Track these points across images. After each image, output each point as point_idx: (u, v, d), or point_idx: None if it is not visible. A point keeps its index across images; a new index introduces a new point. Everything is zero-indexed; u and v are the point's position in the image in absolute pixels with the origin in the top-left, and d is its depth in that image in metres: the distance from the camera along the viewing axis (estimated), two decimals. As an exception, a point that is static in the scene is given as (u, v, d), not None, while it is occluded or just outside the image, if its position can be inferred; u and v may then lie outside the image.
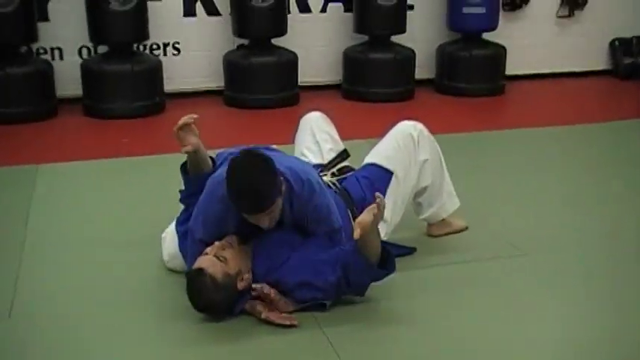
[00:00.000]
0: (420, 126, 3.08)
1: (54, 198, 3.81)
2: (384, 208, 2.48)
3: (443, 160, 3.15)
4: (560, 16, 6.59)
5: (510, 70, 6.28)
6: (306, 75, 5.95)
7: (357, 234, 2.40)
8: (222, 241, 2.61)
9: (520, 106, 5.92)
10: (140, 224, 3.41)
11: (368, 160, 3.06)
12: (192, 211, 2.79)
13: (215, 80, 5.93)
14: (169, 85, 5.73)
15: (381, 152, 3.03)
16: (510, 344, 2.49)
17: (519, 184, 3.99)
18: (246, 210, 2.53)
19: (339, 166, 3.10)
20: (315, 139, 3.21)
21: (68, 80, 5.55)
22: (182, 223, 2.85)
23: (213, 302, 2.54)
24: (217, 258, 2.55)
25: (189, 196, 2.84)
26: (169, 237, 2.96)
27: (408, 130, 3.05)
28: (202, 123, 2.77)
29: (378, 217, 2.44)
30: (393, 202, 2.96)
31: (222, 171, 2.63)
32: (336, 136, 3.29)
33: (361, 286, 2.63)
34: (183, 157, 2.84)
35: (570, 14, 6.57)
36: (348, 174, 3.05)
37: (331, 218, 2.70)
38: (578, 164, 4.39)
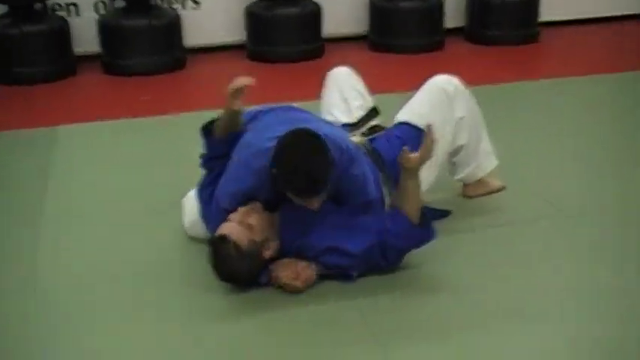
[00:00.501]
0: (455, 80, 2.87)
1: (73, 162, 3.69)
2: (434, 143, 2.40)
3: (481, 116, 2.95)
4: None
5: (543, 16, 5.98)
6: (331, 27, 5.71)
7: (406, 161, 2.37)
8: (246, 206, 2.46)
9: (556, 54, 5.64)
10: (160, 188, 3.29)
11: (399, 118, 2.87)
12: (216, 175, 2.65)
13: (236, 34, 5.70)
14: (189, 40, 5.53)
15: (413, 109, 2.84)
16: (547, 315, 2.34)
17: (559, 140, 3.78)
18: (299, 193, 2.36)
19: (368, 124, 2.92)
20: (344, 96, 3.02)
21: (85, 37, 5.38)
22: (205, 187, 2.71)
23: (237, 271, 2.41)
24: (242, 224, 2.41)
25: (211, 159, 2.69)
26: (190, 203, 2.83)
27: (442, 85, 2.85)
28: (225, 78, 2.62)
29: (429, 151, 2.40)
30: (428, 162, 2.77)
31: (255, 140, 2.48)
32: (365, 92, 3.10)
33: (398, 252, 2.49)
34: (204, 117, 2.69)
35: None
36: (379, 133, 2.86)
37: (367, 190, 2.55)
38: (622, 116, 4.15)
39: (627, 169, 3.44)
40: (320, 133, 2.38)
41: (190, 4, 5.64)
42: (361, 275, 2.51)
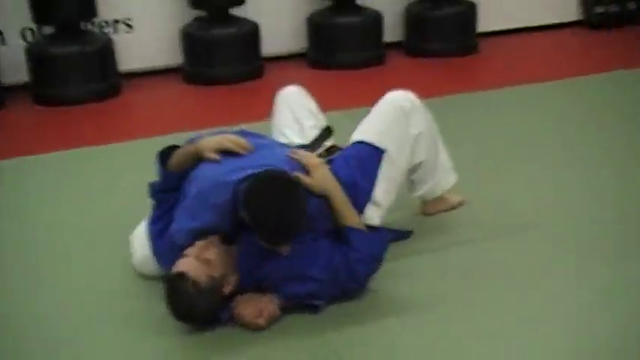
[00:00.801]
0: (411, 96, 2.78)
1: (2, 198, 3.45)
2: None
3: (437, 131, 2.87)
4: (528, -33, 6.30)
5: (480, 27, 5.99)
6: (269, 45, 5.59)
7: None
8: (203, 241, 2.30)
9: (496, 64, 5.62)
10: (100, 222, 3.09)
11: (356, 137, 2.75)
12: (167, 208, 2.50)
13: (172, 57, 5.53)
14: (123, 65, 5.33)
15: (369, 128, 2.72)
16: (516, 334, 2.26)
17: (511, 149, 3.74)
18: (271, 241, 2.27)
19: (324, 145, 2.81)
20: (296, 116, 2.90)
21: (12, 66, 5.13)
22: (155, 221, 2.54)
23: (196, 309, 2.26)
24: (199, 260, 2.25)
25: (163, 192, 2.53)
26: (139, 240, 2.65)
27: (398, 101, 2.74)
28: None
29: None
30: (387, 182, 2.67)
31: (214, 173, 2.36)
32: (317, 111, 3.00)
33: (366, 265, 2.40)
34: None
35: (539, -36, 6.28)
36: (336, 154, 2.75)
37: (327, 215, 2.45)
38: (566, 122, 4.15)
39: (580, 171, 3.43)
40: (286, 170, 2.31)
41: (123, 27, 5.45)
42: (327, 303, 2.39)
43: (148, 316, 2.41)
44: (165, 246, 2.44)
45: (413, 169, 2.83)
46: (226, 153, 2.41)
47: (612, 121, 4.10)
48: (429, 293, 2.49)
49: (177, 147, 2.55)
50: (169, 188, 2.51)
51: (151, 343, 2.29)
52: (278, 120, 2.93)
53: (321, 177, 2.42)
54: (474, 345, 2.20)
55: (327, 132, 2.91)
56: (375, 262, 2.42)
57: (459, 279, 2.57)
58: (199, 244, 2.29)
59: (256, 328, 2.29)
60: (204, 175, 2.38)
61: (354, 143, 2.74)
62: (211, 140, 2.42)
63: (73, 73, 4.93)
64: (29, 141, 4.32)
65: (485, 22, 6.07)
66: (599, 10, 6.42)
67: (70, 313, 2.48)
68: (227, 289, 2.32)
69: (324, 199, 2.42)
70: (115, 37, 5.27)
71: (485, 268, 2.64)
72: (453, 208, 3.04)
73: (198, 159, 2.43)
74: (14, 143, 4.27)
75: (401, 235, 2.81)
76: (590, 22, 6.44)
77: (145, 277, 2.61)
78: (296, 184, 2.27)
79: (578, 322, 2.30)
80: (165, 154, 2.54)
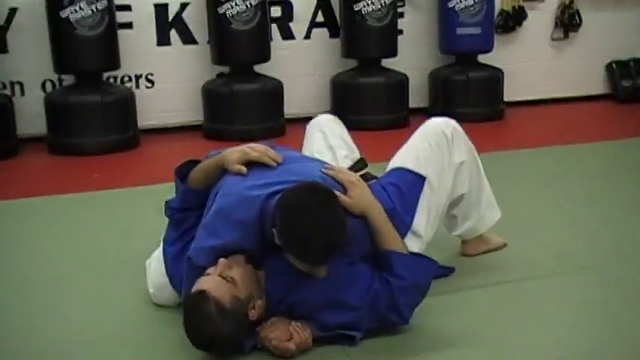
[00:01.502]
0: (453, 122, 2.60)
1: (14, 235, 3.25)
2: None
3: (480, 163, 2.67)
4: (554, 39, 6.26)
5: (506, 96, 5.89)
6: (292, 106, 5.48)
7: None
8: (227, 259, 2.08)
9: (523, 131, 5.50)
10: (114, 256, 2.89)
11: (394, 164, 2.56)
12: (185, 229, 2.29)
13: (193, 114, 5.44)
14: (143, 121, 5.22)
15: (409, 154, 2.53)
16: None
17: (546, 200, 3.57)
18: (310, 261, 2.01)
19: (358, 174, 2.61)
20: (329, 144, 2.72)
21: (30, 117, 5.03)
22: (173, 243, 2.33)
23: (219, 334, 1.99)
24: (223, 278, 2.02)
25: (181, 211, 2.32)
26: (155, 265, 2.42)
27: (439, 127, 2.56)
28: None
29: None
30: (427, 212, 2.46)
31: (237, 188, 2.15)
32: (351, 142, 2.82)
33: (410, 293, 2.14)
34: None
35: (565, 36, 6.24)
36: (371, 182, 2.55)
37: (366, 237, 2.21)
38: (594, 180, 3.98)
39: (614, 218, 3.25)
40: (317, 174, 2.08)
41: (144, 82, 5.37)
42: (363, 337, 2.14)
43: (163, 344, 2.16)
44: (184, 269, 2.20)
45: (455, 203, 2.62)
46: (253, 166, 2.21)
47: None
48: (469, 329, 2.24)
49: (197, 162, 2.35)
50: (189, 207, 2.31)
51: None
52: (309, 146, 2.74)
53: (359, 195, 2.18)
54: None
55: (361, 163, 2.72)
56: (418, 292, 2.17)
57: (500, 316, 2.33)
58: (222, 261, 2.06)
59: (285, 354, 2.03)
60: (227, 189, 2.16)
61: (391, 170, 2.55)
62: (236, 151, 2.22)
63: (91, 123, 4.81)
64: (44, 185, 4.16)
65: (512, 93, 5.98)
66: (626, 83, 6.32)
67: (84, 339, 2.25)
68: (253, 315, 2.07)
69: (362, 219, 2.20)
70: (136, 92, 5.18)
71: (526, 306, 2.40)
72: (495, 249, 2.82)
73: (221, 173, 2.23)
74: (25, 188, 4.10)
75: (444, 271, 2.58)
76: (618, 95, 6.34)
77: (162, 305, 2.37)
78: (332, 194, 2.03)
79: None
80: (184, 170, 2.35)
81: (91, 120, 4.80)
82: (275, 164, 2.21)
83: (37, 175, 4.50)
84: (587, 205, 3.45)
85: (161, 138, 5.26)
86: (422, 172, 2.47)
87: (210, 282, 2.01)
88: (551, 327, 2.25)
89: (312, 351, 2.08)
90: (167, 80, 5.41)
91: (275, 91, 5.23)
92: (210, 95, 5.19)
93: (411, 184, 2.46)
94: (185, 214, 2.32)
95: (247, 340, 2.08)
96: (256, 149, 2.23)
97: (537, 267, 2.70)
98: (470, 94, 5.58)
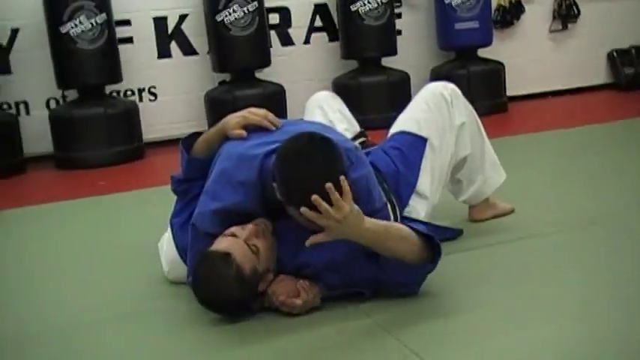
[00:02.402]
0: (451, 85, 2.60)
1: (26, 235, 3.27)
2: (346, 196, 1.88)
3: (481, 124, 2.66)
4: (553, 31, 6.26)
5: (509, 90, 5.89)
6: (294, 109, 5.48)
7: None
8: (256, 223, 2.05)
9: (527, 121, 5.49)
10: (128, 246, 2.87)
11: (394, 129, 2.56)
12: (189, 199, 2.28)
13: (197, 124, 5.42)
14: (147, 134, 5.24)
15: (409, 117, 2.54)
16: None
17: (550, 176, 3.55)
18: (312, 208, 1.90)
19: (358, 141, 2.61)
20: (328, 117, 2.72)
21: (35, 136, 5.06)
22: (178, 213, 2.33)
23: (229, 298, 1.98)
24: (249, 246, 1.99)
25: (187, 181, 2.31)
26: (167, 244, 2.41)
27: (438, 90, 2.57)
28: None
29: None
30: (431, 173, 2.46)
31: (238, 149, 2.13)
32: (350, 115, 2.83)
33: (401, 285, 2.09)
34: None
35: (564, 28, 6.25)
36: (372, 147, 2.54)
37: (372, 196, 2.16)
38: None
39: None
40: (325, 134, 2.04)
41: (147, 95, 5.40)
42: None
43: (177, 317, 2.16)
44: (190, 236, 2.18)
45: (458, 166, 2.61)
46: (253, 130, 2.20)
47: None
48: (478, 289, 2.19)
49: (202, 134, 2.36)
50: (194, 177, 2.30)
51: (184, 337, 2.04)
52: (310, 119, 2.74)
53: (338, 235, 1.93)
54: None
55: (361, 135, 2.72)
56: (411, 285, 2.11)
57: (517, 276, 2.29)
58: (251, 227, 2.02)
59: (292, 310, 2.01)
60: (226, 153, 2.15)
61: (392, 135, 2.55)
62: (236, 116, 2.22)
63: (95, 136, 4.83)
64: (51, 194, 4.17)
65: (514, 87, 5.98)
66: (628, 71, 6.31)
67: (100, 315, 2.25)
68: (262, 287, 2.05)
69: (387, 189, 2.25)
70: (139, 106, 5.20)
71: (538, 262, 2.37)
72: (503, 214, 2.79)
73: (223, 139, 2.23)
74: (35, 195, 4.14)
75: (451, 233, 2.56)
76: (620, 83, 6.32)
77: (176, 282, 2.36)
78: (333, 143, 1.96)
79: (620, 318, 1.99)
80: (188, 143, 2.34)
81: (96, 133, 4.82)
82: (274, 128, 2.21)
83: (45, 187, 4.51)
84: (596, 176, 3.42)
85: (166, 149, 5.25)
86: (423, 133, 2.48)
87: (237, 247, 1.97)
88: (557, 282, 2.21)
89: (331, 311, 2.05)
90: (170, 92, 5.45)
91: (277, 95, 5.25)
92: (213, 103, 5.21)
93: (413, 145, 2.46)
94: (189, 184, 2.31)
95: (254, 302, 2.06)
96: (256, 113, 2.22)
97: (546, 225, 2.67)
98: (472, 88, 5.53)
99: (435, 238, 2.05)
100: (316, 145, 1.94)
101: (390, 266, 2.02)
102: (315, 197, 1.82)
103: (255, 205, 2.10)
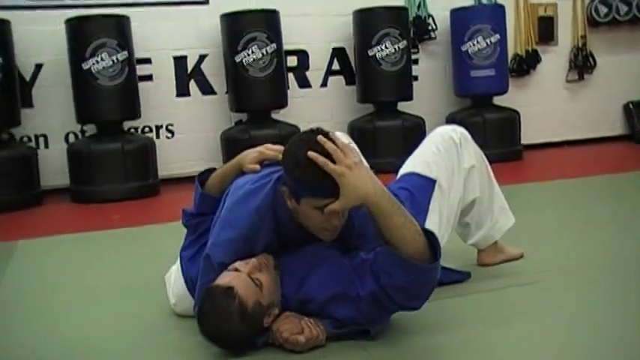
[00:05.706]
0: (460, 129, 2.62)
1: (40, 265, 3.30)
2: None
3: (490, 169, 2.68)
4: (569, 81, 6.30)
5: (524, 139, 5.91)
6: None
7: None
8: (259, 258, 2.06)
9: (542, 169, 5.49)
10: (133, 280, 2.90)
11: (404, 170, 2.58)
12: (200, 233, 2.30)
13: (212, 163, 5.44)
14: (163, 171, 5.30)
15: (419, 160, 2.55)
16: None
17: (560, 224, 3.53)
18: (324, 193, 1.91)
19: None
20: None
21: (54, 169, 5.14)
22: (188, 246, 2.34)
23: (232, 333, 1.97)
24: (252, 280, 1.99)
25: (198, 216, 2.34)
26: (175, 276, 2.42)
27: (447, 133, 2.58)
28: None
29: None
30: (439, 215, 2.46)
31: (247, 182, 2.15)
32: (361, 158, 2.82)
33: (403, 289, 2.00)
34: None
35: (580, 78, 6.29)
36: (382, 188, 2.55)
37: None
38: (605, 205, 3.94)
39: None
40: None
41: (165, 132, 5.48)
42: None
43: (183, 349, 2.15)
44: (202, 268, 2.19)
45: (467, 209, 2.61)
46: (268, 164, 2.23)
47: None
48: (483, 332, 2.18)
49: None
50: (205, 212, 2.32)
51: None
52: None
53: (351, 186, 1.90)
54: None
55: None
56: (409, 291, 2.01)
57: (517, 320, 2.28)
58: (254, 261, 2.04)
59: (294, 347, 2.00)
60: (238, 184, 2.18)
61: (402, 175, 2.57)
62: (253, 151, 2.25)
63: (112, 171, 4.89)
64: (65, 225, 4.22)
65: (529, 135, 6.01)
66: (645, 123, 6.33)
67: (107, 345, 2.25)
68: (267, 322, 2.04)
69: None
70: (156, 142, 5.28)
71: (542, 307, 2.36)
72: (512, 259, 2.78)
73: (238, 174, 2.26)
74: (50, 226, 4.17)
75: (459, 276, 2.55)
76: (636, 135, 6.33)
77: (184, 316, 2.37)
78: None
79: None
80: (204, 177, 2.37)
81: (112, 168, 4.89)
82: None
83: (60, 219, 4.56)
84: (608, 225, 3.40)
85: (181, 187, 5.30)
86: (432, 175, 2.49)
87: (239, 280, 1.97)
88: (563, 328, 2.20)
89: (330, 347, 2.05)
90: (187, 130, 5.52)
91: (292, 136, 5.27)
92: (229, 142, 5.27)
93: (422, 187, 2.47)
94: (200, 218, 2.33)
95: (258, 338, 2.06)
96: (272, 148, 2.25)
97: (548, 275, 2.65)
98: (487, 135, 5.60)
99: (436, 238, 1.99)
100: (320, 130, 1.98)
101: (392, 261, 1.95)
102: (320, 137, 1.91)
103: (268, 231, 2.10)
